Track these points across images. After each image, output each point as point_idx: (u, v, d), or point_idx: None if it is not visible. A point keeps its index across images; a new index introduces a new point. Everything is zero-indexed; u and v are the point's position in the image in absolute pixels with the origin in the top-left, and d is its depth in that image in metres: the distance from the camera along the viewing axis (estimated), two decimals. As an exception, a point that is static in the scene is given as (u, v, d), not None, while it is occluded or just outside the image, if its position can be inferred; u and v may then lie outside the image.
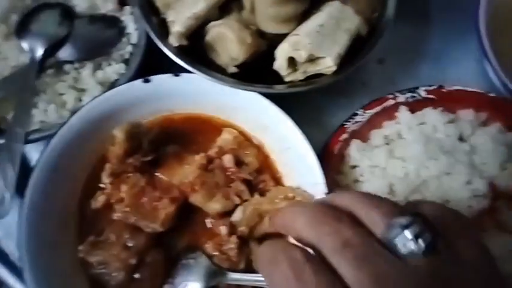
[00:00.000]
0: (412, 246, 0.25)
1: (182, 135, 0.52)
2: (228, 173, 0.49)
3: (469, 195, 0.45)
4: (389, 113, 0.54)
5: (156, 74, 0.51)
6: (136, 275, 0.44)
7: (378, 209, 0.28)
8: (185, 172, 0.48)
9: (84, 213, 0.48)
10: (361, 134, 0.53)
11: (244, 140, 0.51)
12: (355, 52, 0.52)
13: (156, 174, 0.49)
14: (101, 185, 0.48)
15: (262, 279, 0.31)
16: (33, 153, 0.53)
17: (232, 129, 0.51)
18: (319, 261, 0.27)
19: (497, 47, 0.53)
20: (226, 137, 0.51)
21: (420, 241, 0.25)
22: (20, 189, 0.46)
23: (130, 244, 0.44)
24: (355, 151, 0.51)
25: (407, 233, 0.26)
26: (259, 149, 0.52)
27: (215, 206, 0.46)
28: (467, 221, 0.29)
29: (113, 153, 0.46)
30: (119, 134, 0.45)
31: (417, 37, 0.64)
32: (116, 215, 0.45)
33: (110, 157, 0.47)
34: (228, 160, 0.49)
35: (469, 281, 0.26)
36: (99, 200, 0.47)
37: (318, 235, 0.28)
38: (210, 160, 0.49)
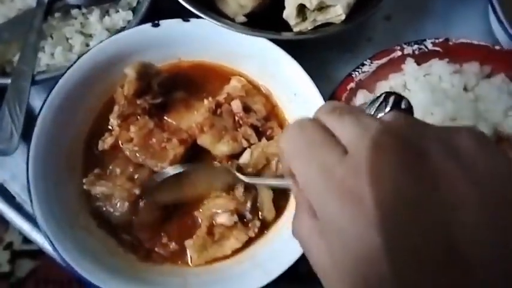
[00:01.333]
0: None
1: (190, 82, 0.52)
2: (236, 118, 0.49)
3: (475, 138, 0.45)
4: (395, 65, 0.54)
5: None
6: (139, 207, 0.44)
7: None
8: (193, 117, 0.49)
9: (90, 154, 0.48)
10: (368, 85, 0.53)
11: (253, 88, 0.51)
12: (362, 8, 0.53)
13: (165, 118, 0.49)
14: (109, 127, 0.48)
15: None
16: (37, 102, 0.53)
17: (241, 77, 0.52)
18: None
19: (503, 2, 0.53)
20: (234, 85, 0.51)
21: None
22: (25, 135, 0.46)
23: (135, 176, 0.45)
24: (361, 101, 0.52)
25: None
26: (267, 98, 0.52)
27: (223, 148, 0.47)
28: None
29: (122, 94, 0.46)
30: (130, 72, 0.45)
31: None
32: (124, 154, 0.45)
33: (119, 98, 0.47)
34: (236, 105, 0.49)
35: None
36: (106, 142, 0.47)
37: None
38: (218, 105, 0.49)
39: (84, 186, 0.45)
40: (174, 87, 0.51)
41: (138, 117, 0.47)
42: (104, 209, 0.45)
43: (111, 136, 0.47)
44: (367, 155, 0.24)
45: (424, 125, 0.27)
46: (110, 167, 0.46)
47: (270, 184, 0.46)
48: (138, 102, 0.46)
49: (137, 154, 0.46)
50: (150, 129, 0.47)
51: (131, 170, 0.46)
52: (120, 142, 0.47)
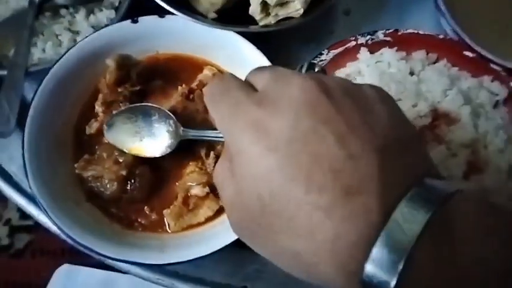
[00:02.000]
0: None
1: (166, 72, 0.58)
2: (207, 101, 0.55)
3: (415, 115, 0.52)
4: (352, 54, 0.60)
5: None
6: (127, 186, 0.50)
7: None
8: (170, 103, 0.55)
9: (79, 138, 0.54)
10: (327, 73, 0.60)
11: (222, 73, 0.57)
12: (321, 3, 0.59)
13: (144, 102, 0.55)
14: (96, 113, 0.54)
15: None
16: (30, 93, 0.58)
17: (212, 67, 0.58)
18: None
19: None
20: (206, 73, 0.57)
21: None
22: (19, 121, 0.52)
23: (120, 160, 0.51)
24: (320, 86, 0.58)
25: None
26: None
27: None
28: None
29: (105, 83, 0.52)
30: (110, 62, 0.51)
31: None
32: None
33: (102, 87, 0.53)
34: (207, 90, 0.56)
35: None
36: (93, 127, 0.53)
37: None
38: (191, 91, 0.55)
39: (76, 171, 0.51)
40: (152, 77, 0.57)
41: (120, 104, 0.54)
42: (96, 189, 0.51)
43: (97, 122, 0.53)
44: (273, 90, 0.29)
45: (331, 77, 0.32)
46: (97, 153, 0.52)
47: (207, 136, 0.49)
48: (119, 90, 0.52)
49: None
50: None
51: (116, 154, 0.51)
52: (104, 126, 0.53)
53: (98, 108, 0.53)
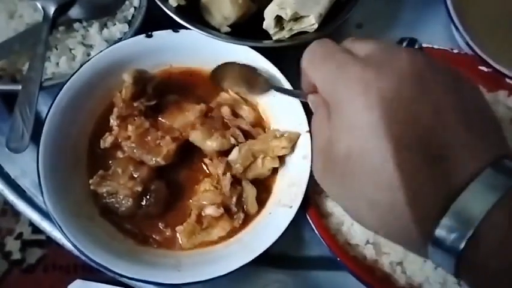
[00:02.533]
0: None
1: (181, 86, 0.58)
2: (225, 121, 0.55)
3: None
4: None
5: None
6: (143, 202, 0.50)
7: None
8: (185, 118, 0.54)
9: (93, 152, 0.54)
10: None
11: (240, 98, 0.57)
12: (335, 16, 0.59)
13: (159, 118, 0.54)
14: (110, 127, 0.53)
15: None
16: (44, 108, 0.58)
17: (230, 92, 0.57)
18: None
19: (461, 10, 0.60)
20: (224, 96, 0.57)
21: None
22: (33, 136, 0.51)
23: (135, 175, 0.50)
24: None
25: None
26: (253, 107, 0.57)
27: (213, 143, 0.52)
28: None
29: (120, 97, 0.52)
30: (127, 77, 0.51)
31: (392, 5, 0.70)
32: (123, 151, 0.51)
33: (117, 101, 0.53)
34: (225, 110, 0.55)
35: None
36: (107, 141, 0.53)
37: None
38: (209, 109, 0.55)
39: (91, 187, 0.50)
40: (167, 90, 0.56)
41: (135, 118, 0.53)
42: (111, 205, 0.50)
43: (111, 135, 0.53)
44: (379, 57, 0.32)
45: (432, 58, 0.35)
46: (112, 168, 0.52)
47: (288, 93, 0.53)
48: (135, 104, 0.52)
49: (134, 150, 0.51)
50: (146, 129, 0.52)
51: (131, 169, 0.51)
52: (119, 140, 0.52)
53: (113, 121, 0.53)
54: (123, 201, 0.49)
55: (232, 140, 0.53)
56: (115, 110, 0.53)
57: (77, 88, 0.52)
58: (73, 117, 0.52)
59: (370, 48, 0.34)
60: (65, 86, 0.51)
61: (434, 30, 0.67)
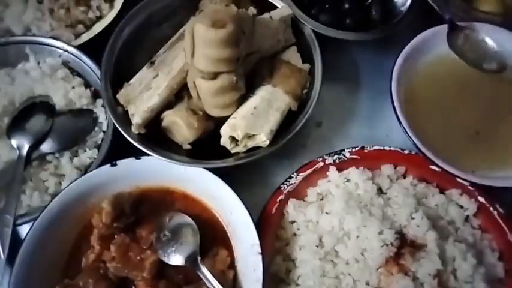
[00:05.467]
0: None
1: (151, 200, 0.62)
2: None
3: (381, 244, 0.53)
4: (322, 173, 0.63)
5: (123, 153, 0.61)
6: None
7: None
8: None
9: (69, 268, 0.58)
10: (298, 192, 0.62)
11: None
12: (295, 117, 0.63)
13: (137, 230, 0.59)
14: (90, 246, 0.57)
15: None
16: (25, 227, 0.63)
17: None
18: None
19: (410, 113, 0.62)
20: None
21: None
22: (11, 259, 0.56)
23: None
24: (292, 209, 0.60)
25: None
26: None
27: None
28: None
29: (100, 221, 0.56)
30: (106, 205, 0.55)
31: (349, 101, 0.74)
32: (109, 272, 0.56)
33: (97, 223, 0.57)
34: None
35: None
36: (90, 258, 0.57)
37: None
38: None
39: None
40: (140, 202, 0.61)
41: (116, 236, 0.57)
42: None
43: (93, 253, 0.56)
44: None
45: None
46: (76, 278, 0.55)
47: None
48: (115, 225, 0.56)
49: (120, 270, 0.55)
50: (127, 244, 0.56)
51: (91, 283, 0.55)
52: (104, 259, 0.56)
53: (94, 242, 0.57)
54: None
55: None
56: (95, 231, 0.57)
57: (47, 224, 0.57)
58: (44, 250, 0.56)
59: None
60: (35, 224, 0.56)
61: (391, 124, 0.68)
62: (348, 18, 0.72)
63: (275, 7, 0.70)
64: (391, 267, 0.51)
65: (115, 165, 0.60)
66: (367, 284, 0.52)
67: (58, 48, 0.70)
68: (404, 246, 0.53)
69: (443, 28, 0.68)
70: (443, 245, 0.53)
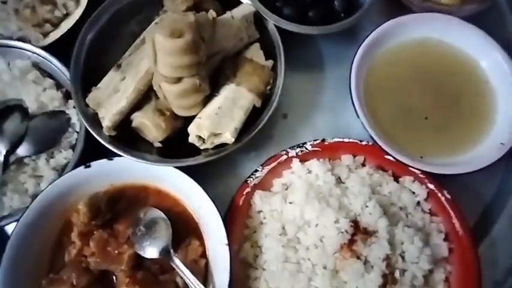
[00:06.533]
0: None
1: (126, 197, 0.66)
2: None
3: (337, 232, 0.58)
4: (286, 164, 0.67)
5: (98, 154, 0.64)
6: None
7: None
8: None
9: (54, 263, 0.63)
10: (265, 183, 0.66)
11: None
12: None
13: (114, 226, 0.63)
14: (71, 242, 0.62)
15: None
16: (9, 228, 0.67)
17: None
18: None
19: (368, 106, 0.66)
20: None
21: None
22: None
23: (75, 282, 0.59)
24: (258, 200, 0.65)
25: None
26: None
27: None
28: None
29: (79, 220, 0.61)
30: (82, 207, 0.60)
31: (314, 92, 0.77)
32: (91, 265, 0.60)
33: (76, 221, 0.62)
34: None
35: None
36: (71, 253, 0.62)
37: None
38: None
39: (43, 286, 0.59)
40: (117, 199, 0.65)
41: (95, 232, 0.61)
42: None
43: (74, 249, 0.61)
44: None
45: None
46: (61, 273, 0.60)
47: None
48: (93, 223, 0.61)
49: (100, 264, 0.60)
50: (105, 239, 0.61)
51: (74, 277, 0.60)
52: (84, 254, 0.61)
53: (75, 238, 0.62)
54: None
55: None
56: (75, 228, 0.62)
57: (27, 226, 0.60)
58: (28, 249, 0.60)
59: None
60: (17, 226, 0.60)
61: (354, 112, 0.72)
62: (311, 11, 0.73)
63: (239, 2, 0.72)
64: (345, 252, 0.57)
65: (89, 166, 0.64)
66: (325, 267, 0.58)
67: (26, 50, 0.71)
68: (358, 233, 0.58)
69: (406, 18, 0.71)
70: (393, 230, 0.59)
